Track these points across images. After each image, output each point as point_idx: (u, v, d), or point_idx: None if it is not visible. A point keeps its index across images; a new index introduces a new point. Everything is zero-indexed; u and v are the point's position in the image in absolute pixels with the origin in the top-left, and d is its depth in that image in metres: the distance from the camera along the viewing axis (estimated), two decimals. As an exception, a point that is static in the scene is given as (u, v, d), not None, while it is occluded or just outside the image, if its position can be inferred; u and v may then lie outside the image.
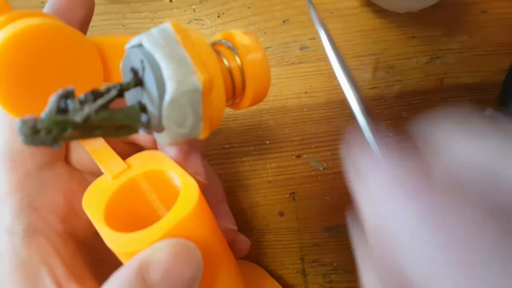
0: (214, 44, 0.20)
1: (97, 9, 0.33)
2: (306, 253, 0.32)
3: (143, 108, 0.17)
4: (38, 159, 0.21)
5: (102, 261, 0.21)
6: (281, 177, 0.33)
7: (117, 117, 0.15)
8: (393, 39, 0.33)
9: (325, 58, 0.33)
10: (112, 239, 0.18)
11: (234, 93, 0.19)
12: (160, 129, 0.17)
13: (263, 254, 0.33)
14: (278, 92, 0.33)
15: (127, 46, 0.18)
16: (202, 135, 0.18)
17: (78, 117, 0.14)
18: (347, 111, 0.33)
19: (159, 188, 0.22)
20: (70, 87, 0.15)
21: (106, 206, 0.20)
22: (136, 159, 0.22)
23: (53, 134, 0.14)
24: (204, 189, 0.22)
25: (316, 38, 0.33)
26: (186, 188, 0.19)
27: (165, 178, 0.21)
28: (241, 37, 0.19)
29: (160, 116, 0.16)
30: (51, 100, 0.14)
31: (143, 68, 0.16)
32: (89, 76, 0.19)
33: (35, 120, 0.14)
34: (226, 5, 0.33)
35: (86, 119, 0.14)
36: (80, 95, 0.15)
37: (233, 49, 0.19)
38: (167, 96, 0.16)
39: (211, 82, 0.17)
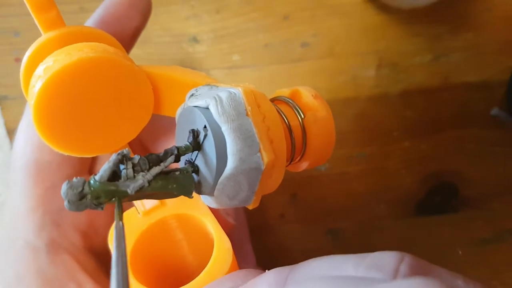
0: (275, 101, 0.19)
1: (94, 4, 0.32)
2: (307, 257, 0.32)
3: (195, 170, 0.16)
4: (65, 172, 0.20)
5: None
6: (281, 178, 0.32)
7: (170, 188, 0.15)
8: (396, 36, 0.32)
9: (327, 55, 0.32)
10: None
11: (292, 157, 0.19)
12: (209, 194, 0.16)
13: (263, 258, 0.32)
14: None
15: (189, 101, 0.17)
16: (251, 206, 0.17)
17: (130, 189, 0.14)
18: (350, 111, 0.33)
19: (189, 233, 0.21)
20: (125, 150, 0.14)
21: (133, 247, 0.19)
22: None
23: (100, 201, 0.14)
24: (232, 229, 0.21)
25: (318, 35, 0.32)
26: (220, 250, 0.18)
27: (197, 224, 0.20)
28: (310, 101, 0.19)
29: (213, 186, 0.16)
30: (105, 168, 0.14)
31: (206, 135, 0.16)
32: (140, 107, 0.18)
33: (83, 185, 0.13)
34: (225, 1, 0.32)
35: (137, 191, 0.14)
36: (134, 156, 0.14)
37: (298, 112, 0.18)
38: (226, 172, 0.15)
39: (273, 162, 0.16)
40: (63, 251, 0.20)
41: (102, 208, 0.14)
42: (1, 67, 0.32)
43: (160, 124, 0.22)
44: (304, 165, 0.19)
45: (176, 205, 0.20)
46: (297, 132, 0.18)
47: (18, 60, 0.31)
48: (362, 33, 0.32)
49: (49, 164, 0.20)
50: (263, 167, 0.15)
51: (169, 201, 0.20)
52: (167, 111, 0.19)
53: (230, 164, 0.15)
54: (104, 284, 0.20)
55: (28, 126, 0.20)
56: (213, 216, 0.19)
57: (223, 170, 0.15)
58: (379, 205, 0.33)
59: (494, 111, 0.33)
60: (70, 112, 0.16)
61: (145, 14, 0.21)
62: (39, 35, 0.18)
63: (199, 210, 0.20)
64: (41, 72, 0.16)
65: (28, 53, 0.17)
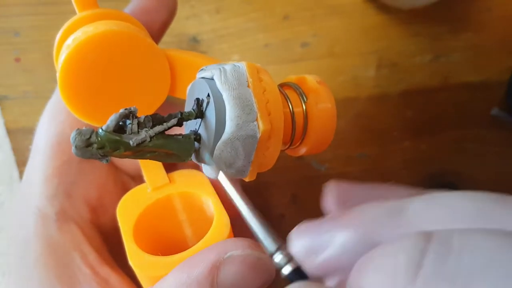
0: (283, 86, 0.20)
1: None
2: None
3: (197, 139, 0.17)
4: None
5: (117, 255, 0.22)
6: (281, 179, 0.32)
7: (170, 147, 0.16)
8: (396, 36, 0.32)
9: (327, 55, 0.32)
10: (136, 258, 0.18)
11: (292, 139, 0.19)
12: (209, 162, 0.17)
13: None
14: (279, 90, 0.32)
15: (198, 74, 0.18)
16: (248, 178, 0.18)
17: (132, 141, 0.15)
18: (350, 111, 0.33)
19: (191, 210, 0.22)
20: (133, 107, 0.15)
21: (138, 217, 0.20)
22: (179, 176, 0.22)
23: (104, 151, 0.15)
24: (237, 217, 0.22)
25: (318, 35, 0.32)
26: (218, 224, 0.19)
27: (199, 202, 0.21)
28: (314, 85, 0.19)
29: (211, 153, 0.16)
30: (112, 118, 0.15)
31: (208, 102, 0.17)
32: (157, 87, 0.19)
33: (91, 134, 0.14)
34: (225, 1, 0.32)
35: (139, 144, 0.15)
36: (141, 116, 0.15)
37: (301, 96, 0.19)
38: (224, 136, 0.16)
39: (270, 133, 0.17)
40: (72, 221, 0.21)
41: (107, 161, 0.15)
42: (1, 67, 0.31)
43: None
44: (303, 150, 0.20)
45: (182, 183, 0.21)
46: (299, 113, 0.19)
47: (18, 60, 0.31)
48: (362, 33, 0.32)
49: (69, 138, 0.21)
50: (258, 135, 0.16)
51: (178, 180, 0.21)
52: (182, 94, 0.20)
53: (228, 129, 0.16)
54: (108, 260, 0.21)
55: (54, 105, 0.22)
56: (217, 196, 0.20)
57: (221, 135, 0.16)
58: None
59: (494, 111, 0.33)
60: (92, 81, 0.18)
61: (171, 10, 0.22)
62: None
63: (204, 189, 0.21)
64: (69, 41, 0.18)
65: (62, 29, 0.19)
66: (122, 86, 0.19)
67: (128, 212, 0.20)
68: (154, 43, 0.19)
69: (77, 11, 0.19)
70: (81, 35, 0.17)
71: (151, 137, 0.15)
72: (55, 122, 0.21)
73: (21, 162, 0.31)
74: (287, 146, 0.20)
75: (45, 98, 0.23)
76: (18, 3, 0.31)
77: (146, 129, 0.15)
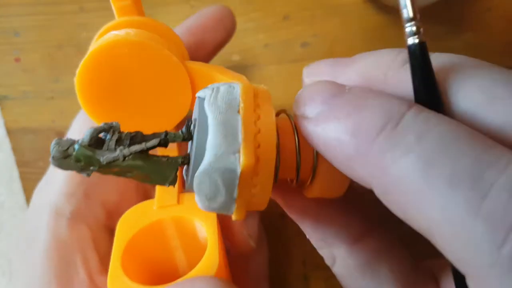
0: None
1: (93, 4, 0.32)
2: (308, 256, 0.32)
3: (186, 163, 0.15)
4: None
5: None
6: (281, 178, 0.32)
7: (145, 169, 0.15)
8: (396, 36, 0.32)
9: (327, 55, 0.32)
10: (116, 282, 0.17)
11: (298, 176, 0.17)
12: (192, 190, 0.15)
13: (263, 258, 0.32)
14: (279, 90, 0.32)
15: (198, 93, 0.16)
16: (235, 216, 0.15)
17: (103, 159, 0.14)
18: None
19: (185, 238, 0.21)
20: (115, 122, 0.15)
21: (132, 237, 0.19)
22: (189, 198, 0.21)
23: (81, 165, 0.14)
24: (251, 253, 0.21)
25: (318, 35, 0.32)
26: (207, 260, 0.18)
27: (194, 230, 0.20)
28: None
29: (191, 180, 0.15)
30: (87, 133, 0.14)
31: (195, 124, 0.15)
32: (177, 100, 0.19)
33: (69, 145, 0.14)
34: (225, 1, 0.32)
35: (110, 163, 0.14)
36: (123, 132, 0.15)
37: None
38: (201, 166, 0.14)
39: (253, 168, 0.14)
40: (84, 222, 0.20)
41: (88, 175, 0.14)
42: (1, 67, 0.32)
43: None
44: (316, 189, 0.17)
45: (190, 208, 0.20)
46: (306, 148, 0.16)
47: (18, 60, 0.31)
48: (362, 33, 0.32)
49: None
50: (239, 170, 0.14)
51: (186, 202, 0.20)
52: None
53: (206, 158, 0.14)
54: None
55: (84, 117, 0.22)
56: (216, 226, 0.19)
57: (200, 164, 0.14)
58: (380, 205, 0.33)
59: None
60: (108, 87, 0.18)
61: (229, 30, 0.22)
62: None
63: (207, 217, 0.19)
64: (94, 45, 0.18)
65: (98, 33, 0.19)
66: (141, 97, 0.18)
67: (125, 229, 0.19)
68: (173, 55, 0.18)
69: (116, 17, 0.19)
70: (101, 41, 0.17)
71: (125, 157, 0.14)
72: (88, 123, 0.21)
73: (21, 162, 0.31)
74: (294, 183, 0.18)
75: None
76: (18, 3, 0.31)
77: (122, 147, 0.14)
